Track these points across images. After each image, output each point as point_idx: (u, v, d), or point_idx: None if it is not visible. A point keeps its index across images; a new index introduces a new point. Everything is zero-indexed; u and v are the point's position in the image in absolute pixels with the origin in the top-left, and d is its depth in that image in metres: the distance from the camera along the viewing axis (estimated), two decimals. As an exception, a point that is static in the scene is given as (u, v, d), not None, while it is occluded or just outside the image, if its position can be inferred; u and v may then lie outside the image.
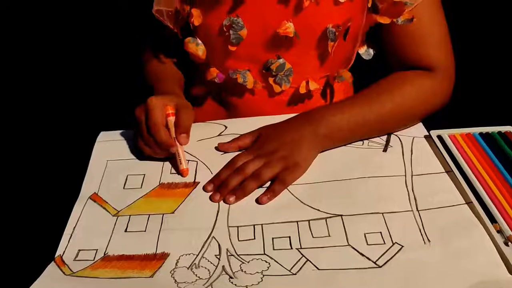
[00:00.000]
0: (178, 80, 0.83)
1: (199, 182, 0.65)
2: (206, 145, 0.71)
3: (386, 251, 0.54)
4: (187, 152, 0.69)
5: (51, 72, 1.77)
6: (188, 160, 0.68)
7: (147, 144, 0.66)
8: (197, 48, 0.76)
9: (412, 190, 0.62)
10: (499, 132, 0.69)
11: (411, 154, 0.68)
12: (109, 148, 0.72)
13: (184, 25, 0.76)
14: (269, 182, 0.64)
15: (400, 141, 0.71)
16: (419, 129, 0.73)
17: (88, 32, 1.80)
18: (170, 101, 0.68)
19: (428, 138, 0.71)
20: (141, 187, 0.65)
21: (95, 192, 0.64)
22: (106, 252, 0.56)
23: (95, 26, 1.77)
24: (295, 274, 0.52)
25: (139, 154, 0.69)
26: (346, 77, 0.78)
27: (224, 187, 0.63)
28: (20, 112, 1.72)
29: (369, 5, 0.73)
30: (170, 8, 0.74)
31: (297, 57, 0.75)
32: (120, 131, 0.75)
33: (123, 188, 0.65)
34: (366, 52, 0.79)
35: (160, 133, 0.65)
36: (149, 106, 0.65)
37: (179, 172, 0.67)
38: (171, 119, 0.67)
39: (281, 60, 0.74)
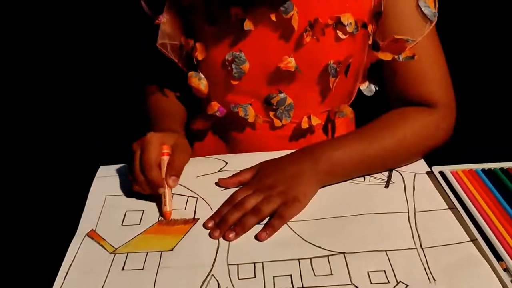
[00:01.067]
0: (179, 117, 0.83)
1: (198, 219, 0.64)
2: (206, 181, 0.71)
3: (391, 290, 0.52)
4: (187, 188, 0.68)
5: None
6: (188, 196, 0.68)
7: (135, 180, 0.65)
8: (199, 82, 0.77)
9: (416, 227, 0.61)
10: (501, 168, 0.69)
11: (413, 190, 0.67)
12: (108, 183, 0.71)
13: (187, 59, 0.77)
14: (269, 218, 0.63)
15: (402, 177, 0.70)
16: (420, 165, 0.73)
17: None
18: (169, 139, 0.68)
19: (430, 174, 0.70)
20: (139, 224, 0.64)
21: (92, 229, 0.63)
22: (102, 291, 0.54)
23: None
24: None
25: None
26: (347, 112, 0.78)
27: (224, 223, 0.62)
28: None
29: (370, 42, 0.74)
30: (174, 42, 0.75)
31: (298, 91, 0.75)
32: (120, 165, 0.74)
33: (121, 224, 0.64)
34: (367, 89, 0.79)
35: (151, 172, 0.64)
36: (146, 142, 0.65)
37: (161, 213, 0.65)
38: (165, 158, 0.66)
39: (282, 95, 0.75)
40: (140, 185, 0.65)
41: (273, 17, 0.70)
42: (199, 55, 0.75)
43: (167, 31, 0.74)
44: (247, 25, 0.70)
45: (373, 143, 0.69)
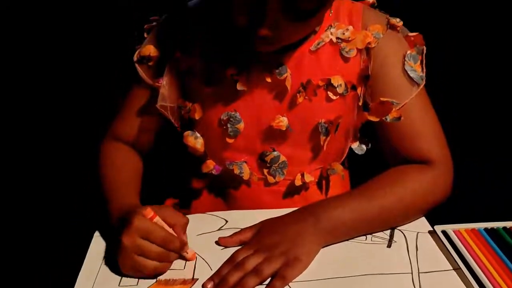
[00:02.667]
0: (137, 188, 0.80)
1: (197, 279, 0.63)
2: (206, 239, 0.70)
3: None
4: None
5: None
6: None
7: (163, 260, 0.62)
8: (196, 141, 0.78)
9: (420, 289, 0.60)
10: (504, 228, 0.69)
11: (416, 250, 0.67)
12: (106, 243, 0.70)
13: (183, 119, 0.79)
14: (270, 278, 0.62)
15: (404, 236, 0.70)
16: (422, 224, 0.73)
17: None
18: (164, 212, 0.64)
19: (433, 233, 0.70)
20: (137, 285, 0.62)
21: (89, 290, 0.61)
22: None
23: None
24: None
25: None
26: (338, 170, 0.79)
27: (224, 284, 0.60)
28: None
29: (361, 104, 0.77)
30: (173, 104, 0.77)
31: (291, 149, 0.77)
32: None
33: (118, 285, 0.62)
34: (359, 147, 0.81)
35: (174, 242, 0.62)
36: (141, 226, 0.60)
37: (185, 259, 0.64)
38: (158, 219, 0.62)
39: (275, 153, 0.76)
40: (164, 262, 0.62)
41: (268, 79, 0.73)
42: (196, 115, 0.76)
43: (166, 93, 0.76)
44: (240, 86, 0.73)
45: (372, 201, 0.70)
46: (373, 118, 0.75)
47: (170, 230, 0.63)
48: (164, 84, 0.76)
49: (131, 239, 0.60)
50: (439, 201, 0.74)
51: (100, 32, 1.76)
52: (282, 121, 0.74)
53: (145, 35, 0.80)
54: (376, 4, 0.80)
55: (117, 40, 1.57)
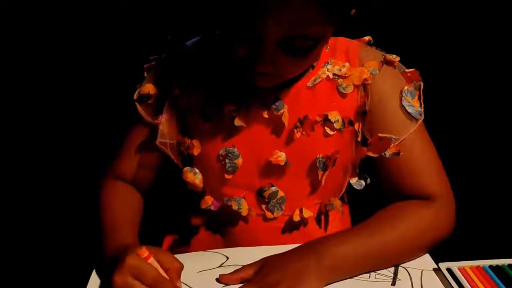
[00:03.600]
0: (136, 227, 0.79)
1: None
2: (206, 276, 0.68)
3: None
4: (186, 285, 0.66)
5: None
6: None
7: None
8: (195, 177, 0.78)
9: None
10: (510, 265, 0.67)
11: None
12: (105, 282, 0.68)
13: (182, 155, 0.79)
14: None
15: (409, 273, 0.68)
16: (427, 261, 0.71)
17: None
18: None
19: (438, 271, 0.68)
20: None
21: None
22: None
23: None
24: None
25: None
26: (337, 205, 0.79)
27: None
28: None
29: (360, 139, 0.77)
30: (172, 141, 0.78)
31: (289, 185, 0.77)
32: None
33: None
34: (358, 183, 0.80)
35: (166, 284, 0.60)
36: (134, 265, 0.60)
37: None
38: (152, 260, 0.61)
39: (273, 188, 0.76)
40: None
41: (265, 114, 0.74)
42: (195, 151, 0.77)
43: (165, 130, 0.77)
44: (238, 121, 0.73)
45: (374, 238, 0.68)
46: (372, 154, 0.75)
47: (164, 274, 0.62)
48: (163, 121, 0.77)
49: (123, 277, 0.59)
50: (442, 237, 0.72)
51: (101, 69, 1.79)
52: (281, 156, 0.74)
53: (145, 74, 0.81)
54: (372, 42, 0.81)
55: (117, 78, 1.60)
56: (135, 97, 0.79)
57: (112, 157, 0.85)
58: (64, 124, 1.82)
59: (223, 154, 0.75)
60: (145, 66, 0.82)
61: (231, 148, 0.75)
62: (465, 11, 1.84)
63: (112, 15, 1.74)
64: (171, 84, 0.77)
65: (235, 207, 0.76)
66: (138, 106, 0.79)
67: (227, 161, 0.75)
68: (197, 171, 0.78)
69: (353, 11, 0.66)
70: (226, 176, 0.76)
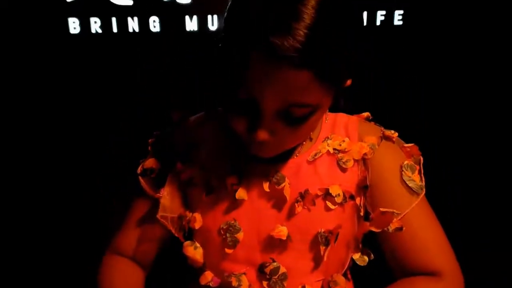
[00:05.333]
0: None
1: None
2: None
3: None
4: None
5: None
6: None
7: None
8: (195, 251, 0.77)
9: None
10: None
11: None
12: None
13: (183, 229, 0.79)
14: None
15: None
16: None
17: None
18: None
19: None
20: None
21: None
22: None
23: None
24: None
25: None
26: (340, 282, 0.77)
27: None
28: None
29: (362, 214, 0.77)
30: (174, 215, 0.78)
31: (291, 260, 0.75)
32: None
33: None
34: (360, 258, 0.79)
35: None
36: None
37: None
38: None
39: (275, 264, 0.75)
40: None
41: (266, 188, 0.74)
42: (196, 225, 0.76)
43: (167, 204, 0.77)
44: (240, 195, 0.74)
45: None
46: (374, 229, 0.75)
47: None
48: (165, 195, 0.77)
49: None
50: None
51: (105, 142, 1.83)
52: (282, 231, 0.73)
53: (149, 148, 0.82)
54: (371, 118, 0.83)
55: (121, 152, 1.63)
56: (138, 171, 0.80)
57: (114, 232, 0.85)
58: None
59: (224, 228, 0.74)
60: (149, 140, 0.84)
61: (232, 222, 0.74)
62: (459, 83, 1.90)
63: (117, 91, 1.81)
64: (174, 158, 0.78)
65: (235, 284, 0.74)
66: (141, 180, 0.80)
67: (228, 235, 0.74)
68: (198, 245, 0.77)
69: (349, 81, 0.67)
70: (227, 250, 0.75)
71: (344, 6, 0.58)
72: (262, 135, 0.63)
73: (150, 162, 0.80)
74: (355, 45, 0.59)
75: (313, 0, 0.55)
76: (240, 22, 0.58)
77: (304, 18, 0.54)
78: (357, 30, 0.60)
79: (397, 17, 1.80)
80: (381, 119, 0.84)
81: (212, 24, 1.76)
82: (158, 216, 0.76)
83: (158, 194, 0.77)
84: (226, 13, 0.62)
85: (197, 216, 0.76)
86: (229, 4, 0.61)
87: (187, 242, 0.77)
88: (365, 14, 1.75)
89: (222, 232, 0.75)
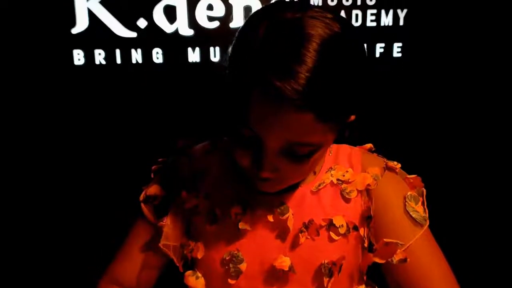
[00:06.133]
0: None
1: None
2: None
3: None
4: None
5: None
6: None
7: None
8: (197, 281, 0.76)
9: None
10: None
11: None
12: None
13: (185, 258, 0.78)
14: None
15: None
16: None
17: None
18: None
19: None
20: None
21: None
22: None
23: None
24: None
25: None
26: None
27: None
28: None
29: (366, 245, 0.76)
30: (176, 243, 0.77)
31: None
32: None
33: None
34: None
35: None
36: None
37: None
38: None
39: None
40: None
41: (270, 218, 0.74)
42: (199, 255, 0.76)
43: (170, 232, 0.77)
44: (243, 225, 0.73)
45: None
46: (378, 260, 0.74)
47: None
48: (168, 223, 0.77)
49: None
50: None
51: (108, 169, 1.84)
52: (285, 262, 0.72)
53: (152, 175, 0.82)
54: (374, 149, 0.84)
55: (123, 178, 1.63)
56: (141, 198, 0.80)
57: (110, 260, 0.84)
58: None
59: (227, 258, 0.74)
60: (152, 168, 0.84)
61: (235, 252, 0.73)
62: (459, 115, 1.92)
63: (120, 121, 1.83)
64: (179, 187, 0.78)
65: (237, 316, 0.73)
66: (143, 207, 0.79)
67: (231, 265, 0.73)
68: (199, 275, 0.76)
69: (353, 117, 0.67)
70: (230, 281, 0.74)
71: (347, 46, 0.58)
72: (266, 172, 0.63)
73: (153, 189, 0.79)
74: (359, 84, 0.59)
75: (315, 43, 0.55)
76: (243, 62, 0.58)
77: (306, 62, 0.54)
78: (361, 68, 0.60)
79: (396, 49, 1.84)
80: (382, 150, 0.85)
81: (214, 56, 1.79)
82: (160, 244, 0.76)
83: (161, 222, 0.77)
84: (230, 51, 0.62)
85: (200, 245, 0.76)
86: (233, 42, 0.62)
87: (189, 272, 0.76)
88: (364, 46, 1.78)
89: (225, 263, 0.74)
